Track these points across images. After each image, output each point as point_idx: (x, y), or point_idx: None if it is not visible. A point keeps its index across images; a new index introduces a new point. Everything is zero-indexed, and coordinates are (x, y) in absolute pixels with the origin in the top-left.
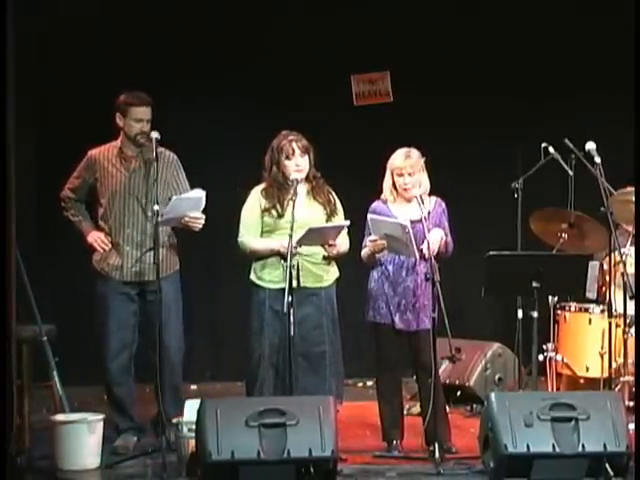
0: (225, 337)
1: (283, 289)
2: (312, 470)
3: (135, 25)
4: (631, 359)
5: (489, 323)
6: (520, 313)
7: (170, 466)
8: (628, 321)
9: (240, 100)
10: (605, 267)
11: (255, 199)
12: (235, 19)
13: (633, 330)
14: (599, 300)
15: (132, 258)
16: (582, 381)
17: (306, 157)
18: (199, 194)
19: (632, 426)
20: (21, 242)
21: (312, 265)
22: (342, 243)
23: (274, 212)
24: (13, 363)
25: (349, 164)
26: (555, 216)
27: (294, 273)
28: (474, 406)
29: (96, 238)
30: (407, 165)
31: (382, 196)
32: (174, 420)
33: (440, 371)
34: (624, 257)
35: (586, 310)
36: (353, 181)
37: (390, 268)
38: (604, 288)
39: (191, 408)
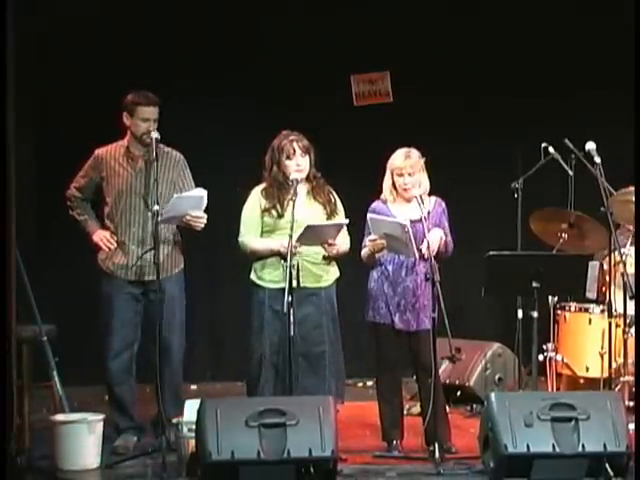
0: (225, 337)
1: (283, 289)
2: (312, 470)
3: (134, 25)
4: (631, 359)
5: (489, 323)
6: (520, 313)
7: (170, 466)
8: (628, 321)
9: (240, 100)
10: (605, 267)
11: (255, 199)
12: (235, 19)
13: (633, 330)
14: (599, 300)
15: (137, 257)
16: (582, 381)
17: (307, 157)
18: (200, 193)
19: (632, 426)
20: (21, 242)
21: (312, 265)
22: (342, 243)
23: (274, 212)
24: (13, 363)
25: (349, 164)
26: (555, 216)
27: (294, 273)
28: (474, 406)
29: (102, 237)
30: (407, 165)
31: (382, 196)
32: (174, 420)
33: (440, 371)
34: (624, 257)
35: (586, 310)
36: (353, 181)
37: (390, 268)
38: (604, 288)
39: (191, 408)
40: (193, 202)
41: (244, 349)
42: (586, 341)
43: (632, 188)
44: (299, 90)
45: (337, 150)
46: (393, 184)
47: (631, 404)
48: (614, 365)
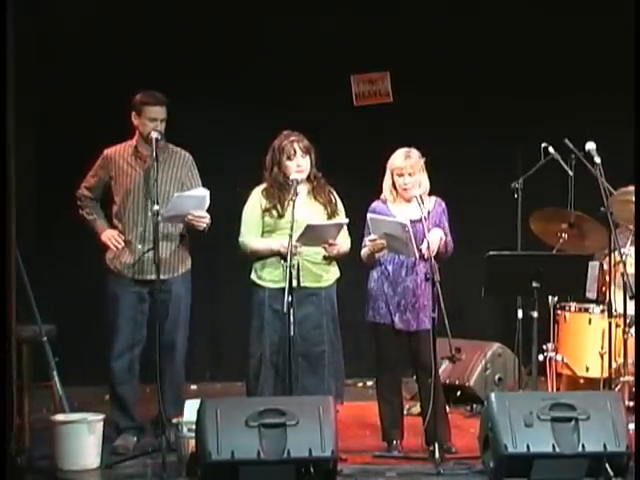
0: (225, 337)
1: (283, 289)
2: (312, 470)
3: (134, 25)
4: (631, 359)
5: (489, 323)
6: (520, 313)
7: (170, 466)
8: (628, 321)
9: (240, 100)
10: (605, 267)
11: (256, 199)
12: (235, 19)
13: (633, 330)
14: (599, 300)
15: (145, 256)
16: (582, 381)
17: (307, 158)
18: (202, 193)
19: (632, 426)
20: (21, 242)
21: (312, 265)
22: (343, 243)
23: (275, 212)
24: (13, 363)
25: (349, 164)
26: (555, 216)
27: (294, 273)
28: (474, 406)
29: (109, 237)
30: (407, 165)
31: (382, 196)
32: (174, 420)
33: (440, 371)
34: (624, 257)
35: (586, 310)
36: (353, 181)
37: (390, 268)
38: (604, 288)
39: (191, 408)
40: (195, 201)
41: (244, 349)
42: (586, 341)
43: (631, 188)
44: (299, 90)
45: (337, 150)
46: (393, 184)
47: (631, 404)
48: (614, 365)
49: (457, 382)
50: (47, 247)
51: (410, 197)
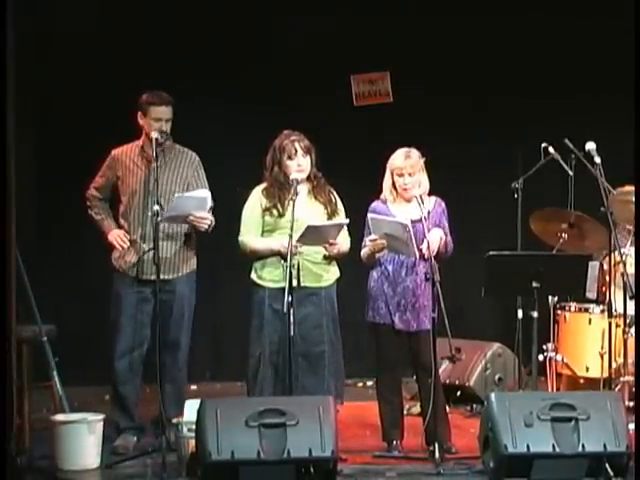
0: (225, 337)
1: (283, 288)
2: (312, 470)
3: (134, 25)
4: (631, 359)
5: (489, 323)
6: (520, 313)
7: (170, 466)
8: (628, 321)
9: (240, 100)
10: (605, 267)
11: (256, 198)
12: (235, 19)
13: (633, 330)
14: (599, 300)
15: (149, 256)
16: (582, 381)
17: (308, 157)
18: (204, 194)
19: (632, 426)
20: (21, 242)
21: (312, 264)
22: (343, 243)
23: (275, 212)
24: (13, 363)
25: (349, 164)
26: (555, 216)
27: (294, 273)
28: (474, 406)
29: (116, 236)
30: (407, 165)
31: (382, 196)
32: (174, 420)
33: (440, 371)
34: (624, 257)
35: (586, 310)
36: (353, 181)
37: (390, 268)
38: (604, 288)
39: (191, 408)
40: (195, 202)
41: (244, 349)
42: (586, 341)
43: (628, 188)
44: (299, 90)
45: (337, 150)
46: (393, 184)
47: (631, 404)
48: (614, 365)
49: (457, 382)
50: (47, 247)
51: (410, 197)
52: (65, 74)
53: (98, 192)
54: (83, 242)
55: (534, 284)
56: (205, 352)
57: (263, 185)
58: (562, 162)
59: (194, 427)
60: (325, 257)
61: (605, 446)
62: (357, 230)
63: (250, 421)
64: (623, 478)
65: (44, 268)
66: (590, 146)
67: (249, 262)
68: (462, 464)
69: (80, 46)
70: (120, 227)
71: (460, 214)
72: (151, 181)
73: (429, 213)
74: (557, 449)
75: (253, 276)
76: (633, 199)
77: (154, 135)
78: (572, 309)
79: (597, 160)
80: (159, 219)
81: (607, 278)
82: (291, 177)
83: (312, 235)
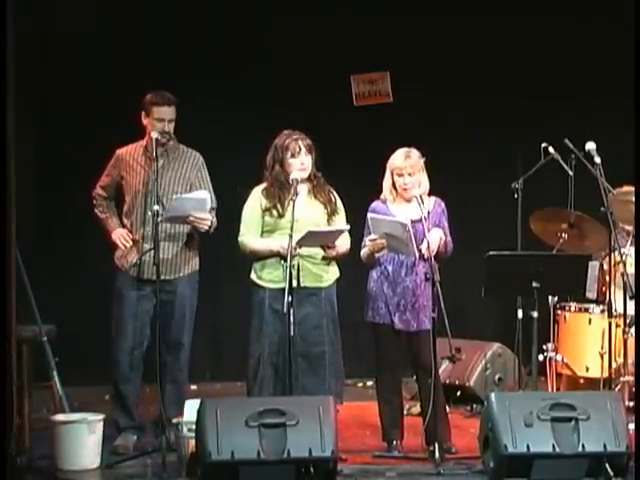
0: (225, 337)
1: (283, 289)
2: (312, 470)
3: (135, 25)
4: (631, 359)
5: (489, 323)
6: (520, 313)
7: (170, 466)
8: (628, 321)
9: (240, 100)
10: (605, 267)
11: (256, 198)
12: (235, 19)
13: (633, 330)
14: (599, 300)
15: (150, 256)
16: (582, 381)
17: (309, 156)
18: (203, 195)
19: (632, 426)
20: (21, 242)
21: (312, 265)
22: (342, 244)
23: (274, 212)
24: (13, 363)
25: (349, 164)
26: (555, 216)
27: (294, 273)
28: (474, 406)
29: (119, 235)
30: (407, 165)
31: (382, 196)
32: (174, 420)
33: (440, 371)
34: (624, 257)
35: (586, 310)
36: (353, 181)
37: (389, 268)
38: (604, 288)
39: (191, 408)
40: (195, 203)
41: (244, 349)
42: (586, 341)
43: (627, 188)
44: (299, 90)
45: (337, 150)
46: (393, 184)
47: (631, 404)
48: (614, 365)
49: (457, 382)
50: (47, 247)
51: (410, 197)
52: (65, 74)
53: (104, 191)
54: (83, 242)
55: (534, 284)
56: (205, 352)
57: (263, 185)
58: (562, 162)
59: (194, 427)
60: (324, 257)
61: (605, 446)
62: (357, 230)
63: (250, 421)
64: (623, 478)
65: (44, 268)
66: (590, 146)
67: (249, 262)
68: (462, 464)
69: (80, 46)
70: (124, 226)
71: (460, 214)
72: (151, 181)
73: (429, 213)
74: (557, 449)
75: (253, 276)
76: (633, 199)
77: (154, 135)
78: (572, 309)
79: (597, 160)
80: (159, 219)
81: (607, 278)
82: (291, 177)
83: (312, 239)
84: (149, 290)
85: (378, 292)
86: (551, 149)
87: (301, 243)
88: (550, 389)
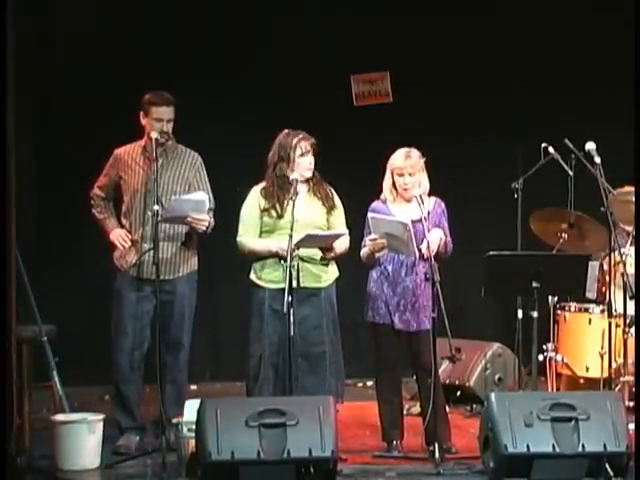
0: (224, 337)
1: (283, 289)
2: (312, 470)
3: (134, 25)
4: (631, 359)
5: (489, 323)
6: (520, 313)
7: (170, 466)
8: (628, 321)
9: (240, 100)
10: (605, 267)
11: (254, 198)
12: (235, 19)
13: (633, 330)
14: (599, 300)
15: (150, 256)
16: (582, 381)
17: (313, 156)
18: (201, 197)
19: (632, 426)
20: (21, 242)
21: (312, 265)
22: (340, 245)
23: (273, 213)
24: (13, 363)
25: (349, 164)
26: (555, 216)
27: (294, 273)
28: (474, 406)
29: (117, 235)
30: (407, 165)
31: (382, 196)
32: (174, 420)
33: (440, 371)
34: (624, 257)
35: (586, 310)
36: (353, 181)
37: (389, 268)
38: (604, 288)
39: (191, 408)
40: (193, 205)
41: (244, 349)
42: (586, 341)
43: (628, 188)
44: (299, 90)
45: (337, 150)
46: (393, 184)
47: (631, 404)
48: (614, 365)
49: (457, 382)
50: (47, 247)
51: (410, 197)
52: (65, 74)
53: (101, 191)
54: (83, 242)
55: (534, 284)
56: (205, 352)
57: (261, 185)
58: (562, 162)
59: (194, 427)
60: (323, 257)
61: (605, 446)
62: (357, 230)
63: (250, 421)
64: (623, 478)
65: (44, 268)
66: (590, 146)
67: (248, 262)
68: (462, 464)
69: (80, 46)
70: (122, 226)
71: (460, 214)
72: (151, 181)
73: (429, 213)
74: (557, 449)
75: (252, 277)
76: (633, 199)
77: (154, 135)
78: (572, 309)
79: (597, 160)
80: (158, 219)
81: (607, 278)
82: (291, 176)
83: (310, 242)
84: (149, 291)
85: (378, 292)
86: (551, 149)
87: (299, 245)
88: (550, 389)
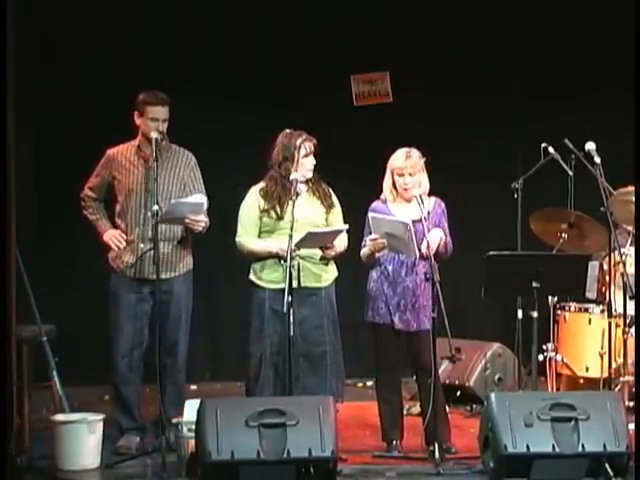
0: (225, 337)
1: (283, 289)
2: (312, 470)
3: (134, 25)
4: (631, 359)
5: (489, 323)
6: (520, 313)
7: (170, 466)
8: (628, 321)
9: (240, 100)
10: (605, 267)
11: (253, 199)
12: (235, 19)
13: (633, 330)
14: (599, 300)
15: (147, 256)
16: (582, 381)
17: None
18: (200, 199)
19: (632, 426)
20: (21, 242)
21: (312, 265)
22: (340, 244)
23: (273, 213)
24: (13, 363)
25: (349, 164)
26: (555, 216)
27: (294, 273)
28: (474, 406)
29: (111, 236)
30: (407, 165)
31: (382, 196)
32: (174, 420)
33: (440, 371)
34: (624, 257)
35: (586, 310)
36: (353, 181)
37: (389, 268)
38: (604, 288)
39: (191, 408)
40: (192, 207)
41: (244, 349)
42: (586, 341)
43: (631, 188)
44: (299, 90)
45: (337, 150)
46: (393, 184)
47: (631, 404)
48: (614, 365)
49: (457, 382)
50: (47, 247)
51: (410, 197)
52: (65, 74)
53: (93, 192)
54: (83, 242)
55: (534, 284)
56: (204, 352)
57: (260, 185)
58: (562, 162)
59: (194, 427)
60: (323, 257)
61: (605, 446)
62: (357, 230)
63: (250, 421)
64: (623, 478)
65: (44, 268)
66: (590, 146)
67: (247, 262)
68: (462, 464)
69: (80, 46)
70: (116, 227)
71: (460, 214)
72: (150, 181)
73: (429, 213)
74: (557, 449)
75: (252, 277)
76: (633, 199)
77: (154, 135)
78: (572, 309)
79: (597, 160)
80: (158, 220)
81: (607, 278)
82: (291, 177)
83: (311, 240)
84: (146, 291)
85: (378, 292)
86: (551, 149)
87: (300, 245)
88: (550, 389)
